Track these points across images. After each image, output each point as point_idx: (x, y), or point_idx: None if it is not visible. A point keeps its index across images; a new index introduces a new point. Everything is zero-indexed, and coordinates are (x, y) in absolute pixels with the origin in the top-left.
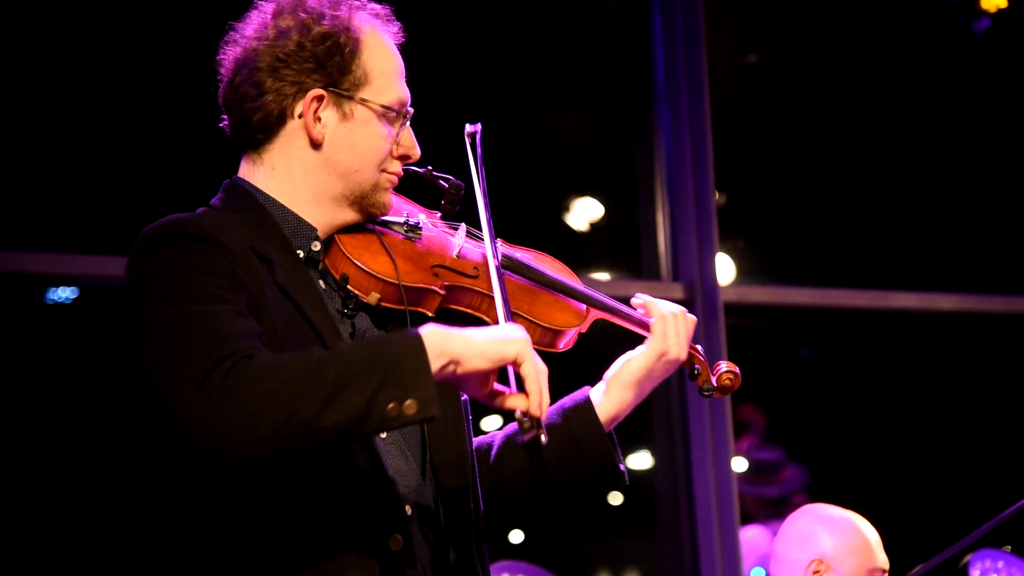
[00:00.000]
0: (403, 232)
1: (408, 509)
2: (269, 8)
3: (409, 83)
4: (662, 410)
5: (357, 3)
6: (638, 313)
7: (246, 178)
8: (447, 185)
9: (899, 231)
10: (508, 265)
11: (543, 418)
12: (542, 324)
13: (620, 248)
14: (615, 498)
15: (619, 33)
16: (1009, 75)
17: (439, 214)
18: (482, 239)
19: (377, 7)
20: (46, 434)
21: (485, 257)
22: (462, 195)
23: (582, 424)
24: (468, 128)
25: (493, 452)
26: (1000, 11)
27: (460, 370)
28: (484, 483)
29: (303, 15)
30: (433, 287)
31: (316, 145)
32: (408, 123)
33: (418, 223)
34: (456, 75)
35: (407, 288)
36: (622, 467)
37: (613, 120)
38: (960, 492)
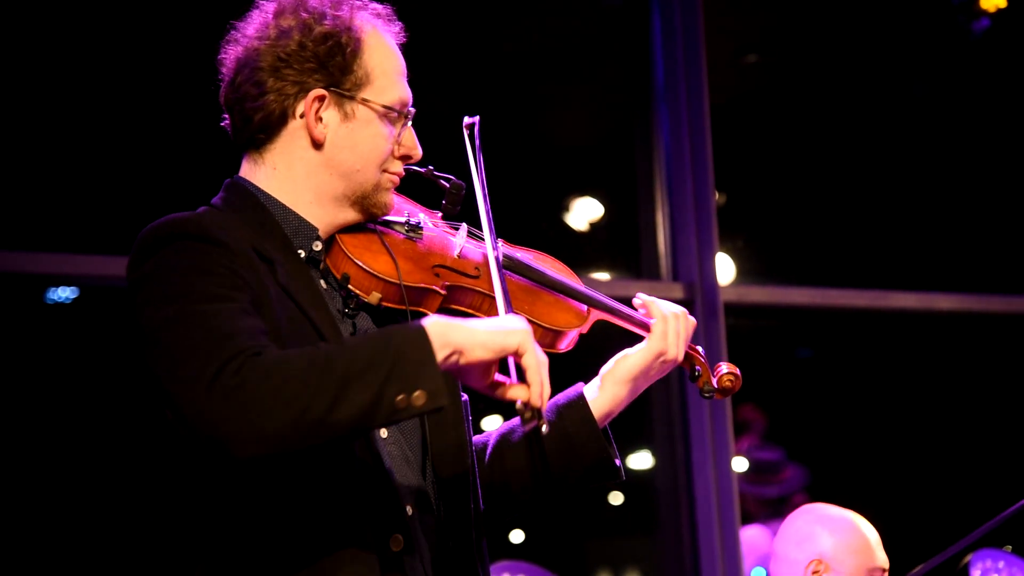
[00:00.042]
0: (404, 232)
1: (409, 509)
2: (271, 8)
3: (410, 83)
4: (662, 410)
5: (359, 3)
6: (639, 314)
7: (247, 177)
8: (448, 185)
9: (899, 231)
10: (509, 265)
11: (544, 408)
12: (543, 324)
13: (620, 248)
14: (616, 498)
15: (619, 33)
16: (1009, 75)
17: (440, 214)
18: (483, 239)
19: (379, 7)
20: (47, 434)
21: (486, 257)
22: (463, 195)
23: (576, 420)
24: (466, 120)
25: (488, 451)
26: (999, 11)
27: (463, 360)
28: (481, 482)
29: (305, 15)
30: (434, 287)
31: (318, 145)
32: (410, 123)
33: (419, 223)
34: (457, 75)
35: (408, 288)
36: (618, 462)
37: (613, 120)
38: (961, 492)
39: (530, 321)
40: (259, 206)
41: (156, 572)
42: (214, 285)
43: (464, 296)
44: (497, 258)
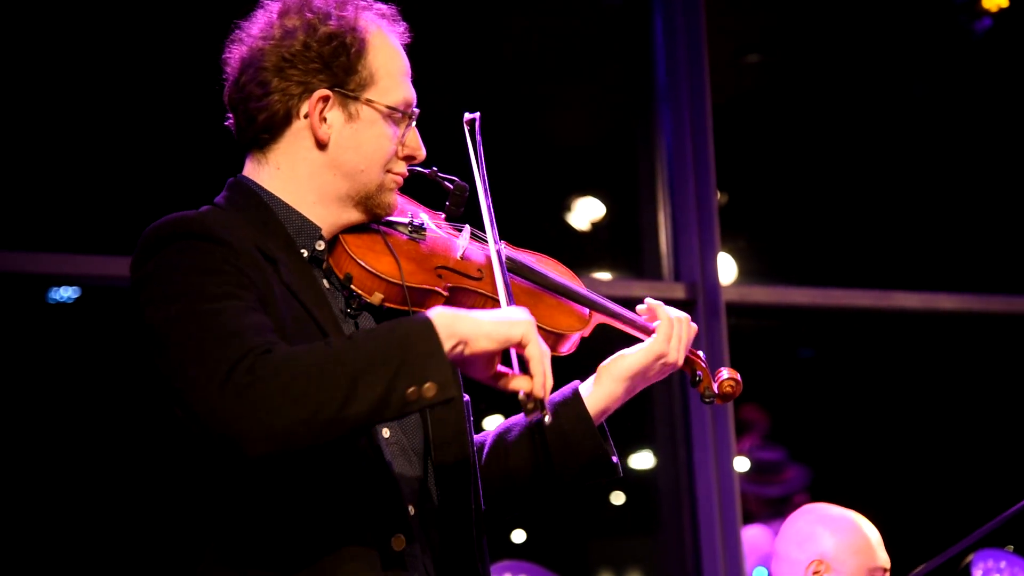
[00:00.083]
0: (407, 233)
1: (411, 509)
2: (275, 7)
3: (414, 83)
4: (664, 410)
5: (363, 3)
6: (640, 318)
7: (251, 177)
8: (452, 186)
9: (901, 231)
10: (511, 267)
11: (547, 399)
12: (545, 327)
13: (622, 248)
14: (617, 498)
15: (620, 33)
16: (1010, 75)
17: (443, 215)
18: (486, 241)
19: (383, 7)
20: (48, 434)
21: (489, 259)
22: (467, 196)
23: (571, 418)
24: (467, 116)
25: (486, 449)
26: (1001, 11)
27: (468, 351)
28: (480, 481)
29: (309, 15)
30: (436, 288)
31: (321, 145)
32: (414, 124)
33: (422, 224)
34: (458, 75)
35: (411, 289)
36: (614, 459)
37: (614, 120)
38: (962, 492)
39: None
40: (262, 205)
41: (158, 571)
42: (218, 283)
43: (466, 298)
44: (499, 251)
